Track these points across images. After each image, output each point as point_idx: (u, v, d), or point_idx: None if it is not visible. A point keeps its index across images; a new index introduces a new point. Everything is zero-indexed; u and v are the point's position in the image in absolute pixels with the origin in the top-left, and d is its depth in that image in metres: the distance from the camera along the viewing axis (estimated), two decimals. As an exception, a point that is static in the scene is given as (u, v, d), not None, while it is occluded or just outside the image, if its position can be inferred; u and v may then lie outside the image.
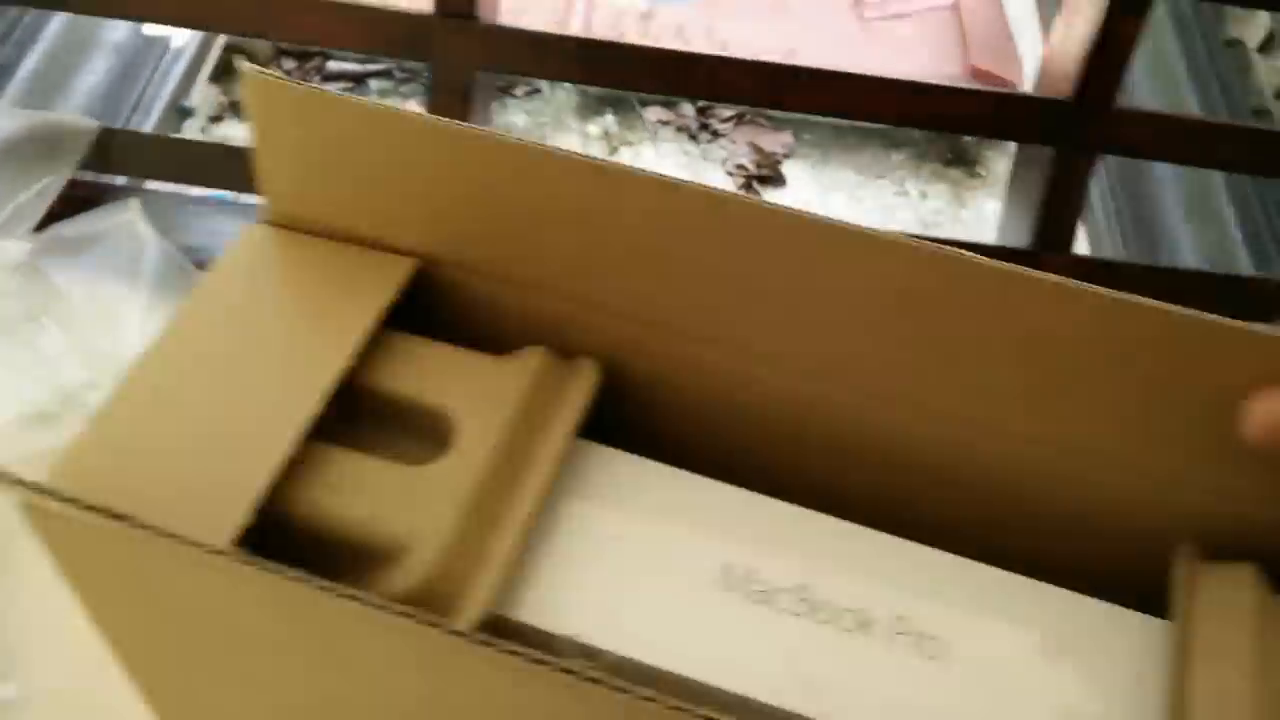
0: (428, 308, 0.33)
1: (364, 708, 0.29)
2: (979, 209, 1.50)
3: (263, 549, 0.26)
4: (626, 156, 1.35)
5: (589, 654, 0.30)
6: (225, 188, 0.75)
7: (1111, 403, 0.33)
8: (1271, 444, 0.28)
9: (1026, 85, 1.50)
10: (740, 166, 1.37)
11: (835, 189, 1.42)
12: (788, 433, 0.34)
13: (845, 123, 1.42)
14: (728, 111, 1.41)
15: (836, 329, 0.33)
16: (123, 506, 0.24)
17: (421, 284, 0.33)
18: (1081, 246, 1.32)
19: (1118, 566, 0.33)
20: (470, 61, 0.70)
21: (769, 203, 0.33)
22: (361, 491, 0.29)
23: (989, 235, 1.50)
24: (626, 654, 0.30)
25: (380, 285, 0.31)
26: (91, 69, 0.95)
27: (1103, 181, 1.24)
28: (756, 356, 0.33)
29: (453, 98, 0.69)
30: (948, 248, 0.32)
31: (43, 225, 0.63)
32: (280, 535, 0.28)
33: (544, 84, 1.37)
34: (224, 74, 1.22)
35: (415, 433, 0.31)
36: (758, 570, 0.32)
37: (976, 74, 1.49)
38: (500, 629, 0.30)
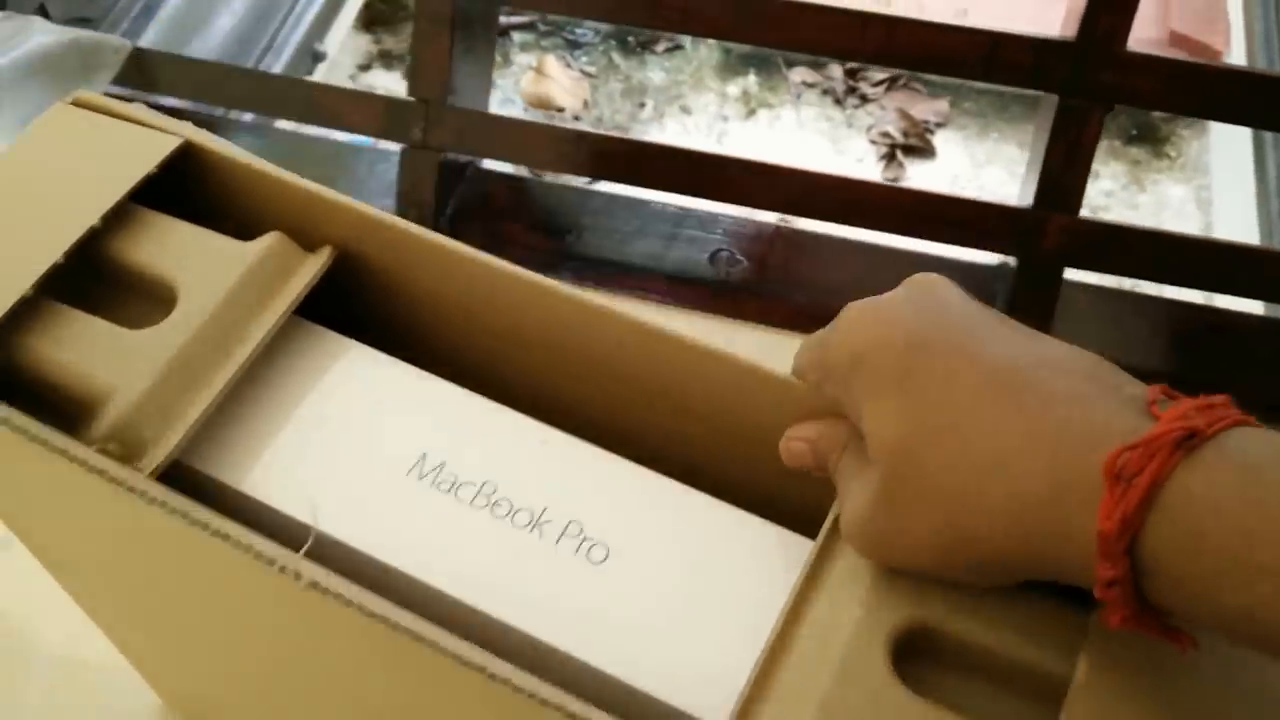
0: (208, 192, 0.38)
1: (72, 543, 0.34)
2: (1160, 194, 1.40)
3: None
4: (764, 120, 1.36)
5: (275, 519, 0.34)
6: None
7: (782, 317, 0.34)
8: (798, 466, 0.33)
9: (1233, 57, 1.39)
10: (885, 134, 1.35)
11: (991, 163, 1.37)
12: (503, 329, 0.37)
13: (1010, 90, 1.36)
14: (879, 75, 1.38)
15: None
16: None
17: (199, 168, 0.37)
18: (1251, 229, 1.21)
19: (802, 491, 0.34)
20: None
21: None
22: (78, 346, 0.34)
23: (1168, 226, 1.40)
24: (304, 520, 0.34)
25: (141, 160, 0.36)
26: (230, 10, 1.06)
27: None
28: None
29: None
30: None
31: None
32: (8, 388, 0.33)
33: (686, 41, 1.39)
34: (373, 23, 1.32)
35: (148, 302, 0.35)
36: (450, 462, 0.35)
37: (1175, 39, 1.39)
38: (191, 480, 0.34)
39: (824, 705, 0.28)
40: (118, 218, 0.36)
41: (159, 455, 0.33)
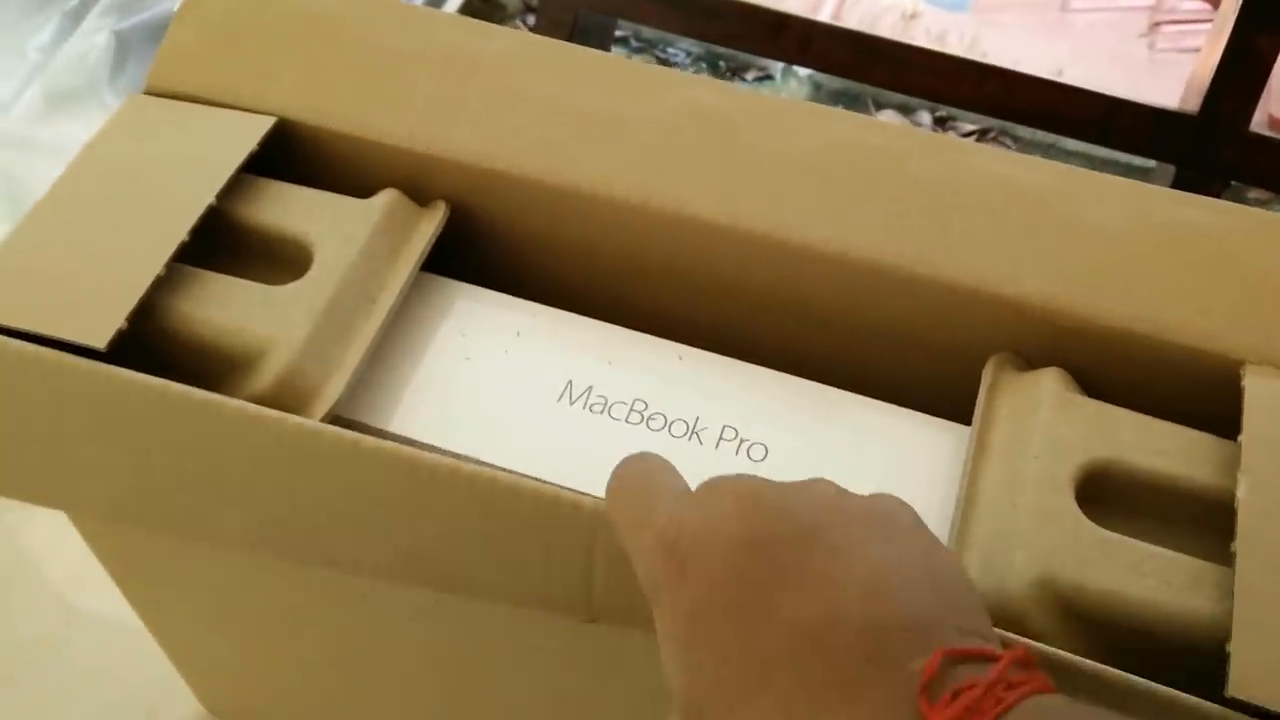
0: (303, 166, 0.39)
1: (228, 504, 0.35)
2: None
3: (142, 364, 0.33)
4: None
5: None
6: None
7: (904, 213, 0.35)
8: None
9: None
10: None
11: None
12: (624, 263, 0.38)
13: (1102, 157, 1.35)
14: (969, 125, 1.39)
15: (658, 154, 0.37)
16: (15, 322, 0.32)
17: (291, 144, 0.39)
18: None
19: (941, 381, 0.35)
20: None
21: (597, 51, 0.39)
22: (228, 305, 0.35)
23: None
24: (467, 452, 0.35)
25: (244, 137, 0.37)
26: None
27: None
28: (589, 191, 0.37)
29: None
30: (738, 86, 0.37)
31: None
32: (156, 350, 0.34)
33: (776, 72, 1.41)
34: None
35: (279, 262, 0.37)
36: (597, 386, 0.36)
37: (1275, 125, 1.37)
38: (348, 428, 0.35)
39: (1028, 547, 0.28)
40: (233, 189, 0.37)
41: (326, 403, 0.34)
